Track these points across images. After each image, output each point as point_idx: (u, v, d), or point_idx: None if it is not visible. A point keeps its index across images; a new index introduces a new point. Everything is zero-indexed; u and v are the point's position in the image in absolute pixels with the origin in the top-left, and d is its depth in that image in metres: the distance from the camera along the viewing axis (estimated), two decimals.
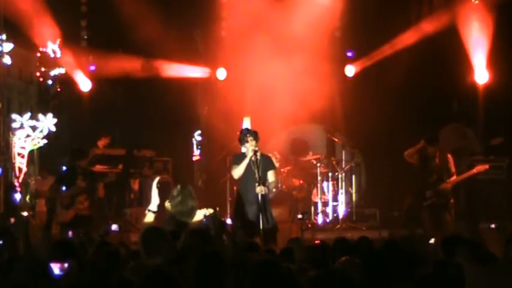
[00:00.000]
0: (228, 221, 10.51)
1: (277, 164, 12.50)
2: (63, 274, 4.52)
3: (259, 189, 8.72)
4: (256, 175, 8.81)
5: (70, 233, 9.50)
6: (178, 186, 7.86)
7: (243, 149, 9.08)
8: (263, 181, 8.86)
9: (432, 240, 7.48)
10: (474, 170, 10.38)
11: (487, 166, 10.54)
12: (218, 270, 4.35)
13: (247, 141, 8.96)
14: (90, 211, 10.61)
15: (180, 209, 7.71)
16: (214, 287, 4.31)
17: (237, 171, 9.01)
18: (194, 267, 4.38)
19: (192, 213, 7.67)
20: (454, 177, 10.19)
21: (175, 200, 7.73)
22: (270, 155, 12.33)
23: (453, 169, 10.16)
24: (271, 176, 9.04)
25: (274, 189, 11.11)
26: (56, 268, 4.49)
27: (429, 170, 10.13)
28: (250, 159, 8.86)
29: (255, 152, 8.85)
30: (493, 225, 11.07)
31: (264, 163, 8.98)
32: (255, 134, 9.03)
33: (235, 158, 9.23)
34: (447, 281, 4.08)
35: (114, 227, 9.71)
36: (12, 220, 10.75)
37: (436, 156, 10.16)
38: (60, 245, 5.50)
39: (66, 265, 4.51)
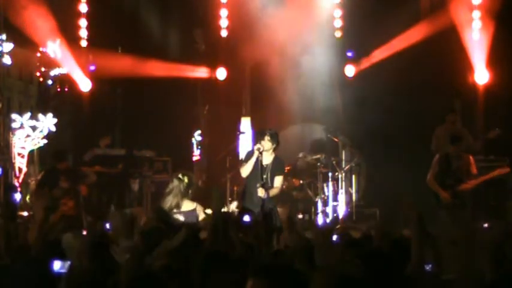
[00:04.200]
0: None
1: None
2: (64, 272, 4.51)
3: (260, 192, 8.67)
4: (259, 176, 8.75)
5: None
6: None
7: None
8: (270, 184, 8.81)
9: None
10: (496, 172, 10.32)
11: (508, 169, 10.51)
12: (222, 269, 4.34)
13: (263, 139, 8.84)
14: (76, 211, 10.50)
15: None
16: (218, 285, 4.29)
17: (245, 169, 8.92)
18: (199, 266, 4.36)
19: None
20: (474, 179, 10.11)
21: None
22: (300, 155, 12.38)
23: (474, 170, 10.14)
24: (276, 181, 8.95)
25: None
26: (57, 265, 4.49)
27: (450, 170, 10.10)
28: (257, 158, 8.78)
29: (259, 150, 8.77)
30: (486, 225, 11.06)
31: (273, 166, 8.90)
32: (273, 136, 8.89)
33: (246, 155, 9.15)
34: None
35: (109, 226, 9.65)
36: None
37: (459, 156, 10.12)
38: (57, 244, 5.48)
39: (67, 263, 4.51)
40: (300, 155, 13.55)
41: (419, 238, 4.48)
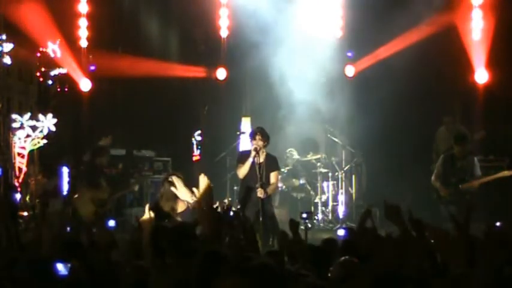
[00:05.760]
0: None
1: (295, 158, 12.60)
2: (67, 274, 4.50)
3: (259, 192, 8.67)
4: (258, 176, 8.74)
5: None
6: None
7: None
8: (266, 182, 8.81)
9: None
10: (501, 174, 10.32)
11: None
12: (220, 270, 4.33)
13: (254, 139, 8.89)
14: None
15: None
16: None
17: (242, 171, 8.93)
18: (197, 266, 4.35)
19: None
20: (478, 179, 10.14)
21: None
22: (287, 150, 12.42)
23: (478, 172, 10.18)
24: (272, 177, 8.97)
25: (276, 192, 11.09)
26: (61, 268, 4.48)
27: (454, 170, 10.13)
28: (254, 158, 8.79)
29: (256, 149, 8.78)
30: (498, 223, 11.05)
31: (268, 164, 8.91)
32: (263, 133, 8.92)
33: (240, 156, 9.15)
34: None
35: (112, 223, 9.68)
36: None
37: (463, 157, 10.15)
38: (69, 245, 5.47)
39: (69, 265, 4.49)
40: (294, 155, 13.55)
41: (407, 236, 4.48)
